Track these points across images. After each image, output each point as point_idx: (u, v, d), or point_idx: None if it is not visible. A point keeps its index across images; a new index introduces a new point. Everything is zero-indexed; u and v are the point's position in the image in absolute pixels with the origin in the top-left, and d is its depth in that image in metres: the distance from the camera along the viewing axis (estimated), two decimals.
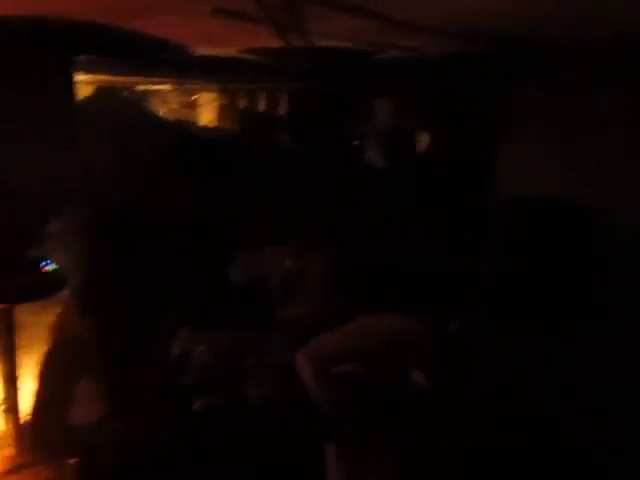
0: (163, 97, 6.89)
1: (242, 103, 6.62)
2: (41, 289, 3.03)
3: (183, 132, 5.63)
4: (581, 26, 2.32)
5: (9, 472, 3.14)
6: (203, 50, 3.49)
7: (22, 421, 3.28)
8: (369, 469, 2.26)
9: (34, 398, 1.77)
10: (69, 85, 3.65)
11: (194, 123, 6.88)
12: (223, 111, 6.58)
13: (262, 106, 6.41)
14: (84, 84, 5.15)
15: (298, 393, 2.68)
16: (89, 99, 4.93)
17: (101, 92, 5.13)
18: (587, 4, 1.83)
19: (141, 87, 6.44)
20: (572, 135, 3.25)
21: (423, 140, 4.32)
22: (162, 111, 7.18)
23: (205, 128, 6.68)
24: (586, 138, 3.17)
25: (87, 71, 4.52)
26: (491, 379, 2.70)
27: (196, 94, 7.00)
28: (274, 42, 2.67)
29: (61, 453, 1.87)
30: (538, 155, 3.36)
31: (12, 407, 3.22)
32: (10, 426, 3.24)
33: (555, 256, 3.05)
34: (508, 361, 2.91)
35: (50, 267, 3.19)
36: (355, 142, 5.00)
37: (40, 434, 1.76)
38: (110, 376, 1.75)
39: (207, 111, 6.86)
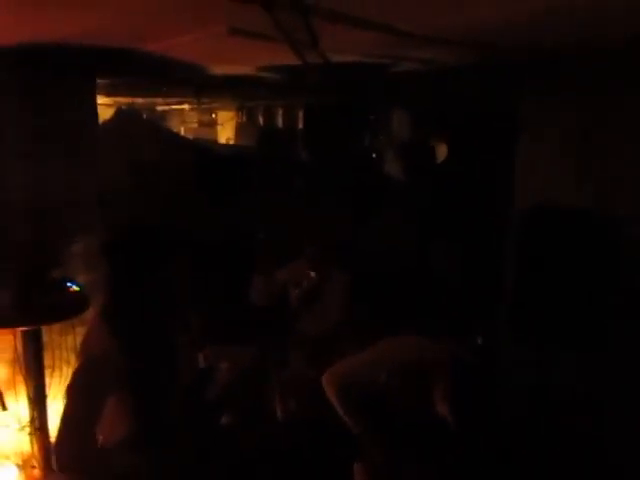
0: (182, 116, 7.01)
1: (260, 120, 6.69)
2: (66, 309, 3.08)
3: (203, 150, 5.70)
4: (595, 32, 2.30)
5: None
6: (220, 69, 3.53)
7: (52, 440, 3.33)
8: None
9: (61, 417, 1.79)
10: (91, 107, 3.73)
11: (214, 141, 6.97)
12: (241, 128, 6.65)
13: (280, 122, 6.47)
14: (105, 106, 5.26)
15: (322, 409, 2.67)
16: (110, 120, 5.04)
17: (122, 113, 5.23)
18: (596, 10, 1.82)
19: (160, 107, 6.55)
20: (589, 145, 3.21)
21: (440, 151, 4.30)
22: (182, 130, 7.29)
23: (224, 145, 6.76)
24: (603, 147, 3.12)
25: (108, 93, 4.62)
26: (515, 400, 2.67)
27: (215, 112, 7.10)
28: (289, 59, 2.70)
29: (87, 474, 1.88)
30: (555, 165, 3.32)
31: (40, 427, 3.26)
32: (35, 447, 3.28)
33: (574, 268, 3.00)
34: (532, 377, 2.86)
35: (74, 287, 3.24)
36: (373, 155, 5.00)
37: (66, 453, 1.77)
38: (136, 394, 1.76)
39: (226, 129, 6.95)
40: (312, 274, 3.34)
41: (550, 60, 3.06)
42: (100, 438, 1.78)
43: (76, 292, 3.23)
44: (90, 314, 2.86)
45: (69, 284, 3.25)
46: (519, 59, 3.04)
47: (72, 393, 1.77)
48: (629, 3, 1.74)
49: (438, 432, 2.20)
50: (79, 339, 2.08)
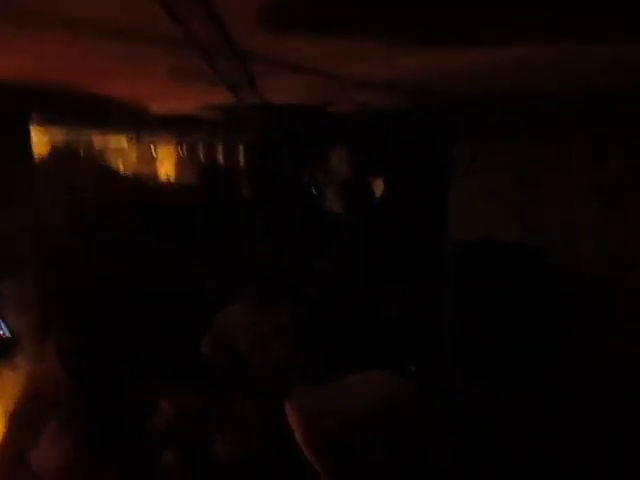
0: (121, 153, 6.90)
1: (200, 156, 6.67)
2: None
3: (142, 188, 5.63)
4: (530, 81, 2.45)
5: None
6: (159, 107, 3.54)
7: None
8: None
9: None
10: (26, 144, 3.64)
11: (153, 177, 6.88)
12: (181, 164, 6.61)
13: (221, 158, 6.48)
14: (41, 143, 5.13)
15: (265, 449, 2.63)
16: (45, 156, 4.91)
17: (58, 150, 5.11)
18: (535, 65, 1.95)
19: (98, 144, 6.45)
20: (521, 182, 3.39)
21: (378, 187, 4.42)
22: (121, 167, 7.17)
23: (165, 182, 6.69)
24: (535, 185, 3.31)
25: (43, 129, 4.52)
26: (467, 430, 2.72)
27: (154, 149, 7.04)
28: (228, 98, 2.74)
29: None
30: (489, 200, 3.49)
31: None
32: None
33: (508, 299, 3.13)
34: (478, 409, 2.92)
35: (5, 330, 3.10)
36: (313, 192, 5.08)
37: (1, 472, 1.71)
38: (77, 424, 1.73)
39: (165, 165, 6.89)
40: (258, 313, 3.33)
41: (484, 106, 3.24)
42: (34, 464, 1.72)
43: (6, 336, 3.09)
44: (21, 357, 2.74)
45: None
46: (454, 104, 3.20)
47: (13, 415, 1.72)
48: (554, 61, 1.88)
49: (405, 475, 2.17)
50: (6, 382, 2.01)
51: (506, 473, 2.76)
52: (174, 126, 4.83)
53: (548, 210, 3.26)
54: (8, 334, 3.02)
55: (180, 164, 6.66)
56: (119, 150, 6.65)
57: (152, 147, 6.78)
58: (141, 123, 4.30)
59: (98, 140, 6.13)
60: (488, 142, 3.50)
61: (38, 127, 4.04)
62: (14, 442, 1.71)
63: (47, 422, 1.71)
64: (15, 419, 1.73)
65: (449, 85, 2.51)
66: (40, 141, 4.97)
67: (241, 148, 6.06)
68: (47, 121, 3.92)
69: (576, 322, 3.03)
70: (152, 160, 7.19)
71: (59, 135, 5.02)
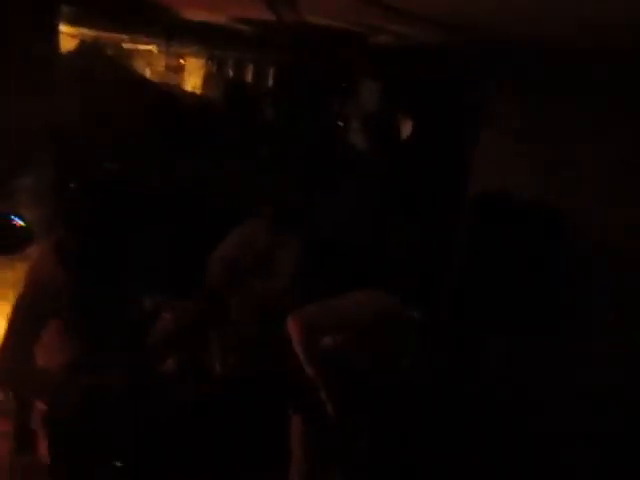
0: (149, 58, 6.75)
1: (229, 72, 6.53)
2: (11, 244, 3.00)
3: (166, 95, 5.54)
4: (567, 28, 2.33)
5: None
6: (192, 14, 3.43)
7: None
8: (334, 448, 2.28)
9: (3, 341, 1.79)
10: (51, 35, 3.56)
11: (179, 87, 6.77)
12: (209, 79, 6.48)
13: (249, 77, 6.34)
14: (68, 36, 5.02)
15: (263, 364, 2.70)
16: (72, 52, 4.82)
17: (85, 46, 5.01)
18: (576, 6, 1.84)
19: (127, 46, 6.30)
20: (549, 140, 3.30)
21: (405, 127, 4.33)
22: (147, 72, 7.04)
23: (190, 94, 6.58)
24: (562, 145, 3.22)
25: (72, 23, 4.41)
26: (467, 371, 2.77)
27: (183, 58, 6.88)
28: (264, 14, 2.64)
29: (28, 393, 1.89)
30: (512, 154, 3.41)
31: None
32: None
33: (522, 255, 3.11)
34: (475, 356, 2.98)
35: (19, 222, 3.15)
36: (339, 123, 4.98)
37: (5, 371, 1.78)
38: (79, 324, 1.78)
39: (193, 77, 6.75)
40: (267, 234, 3.33)
41: (523, 52, 3.10)
42: (39, 361, 1.79)
43: (21, 227, 3.14)
44: (35, 249, 2.79)
45: (14, 218, 3.15)
46: (493, 47, 3.06)
47: (13, 315, 1.77)
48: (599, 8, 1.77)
49: (396, 396, 2.23)
50: (20, 275, 2.05)
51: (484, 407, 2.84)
52: (205, 37, 4.69)
53: (572, 172, 3.18)
54: (22, 224, 3.07)
55: (207, 75, 6.53)
56: (147, 54, 6.52)
57: (180, 54, 6.63)
58: (173, 27, 4.17)
59: (127, 42, 6.00)
60: (520, 94, 3.38)
61: (66, 18, 3.93)
62: (17, 334, 1.75)
63: (49, 319, 1.75)
64: (20, 313, 1.77)
65: (492, 25, 2.40)
66: (67, 33, 4.86)
67: (272, 67, 5.91)
68: (76, 13, 3.81)
69: (586, 288, 3.02)
70: (179, 68, 7.05)
71: (87, 29, 4.91)
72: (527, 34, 2.46)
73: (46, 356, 1.78)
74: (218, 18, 3.38)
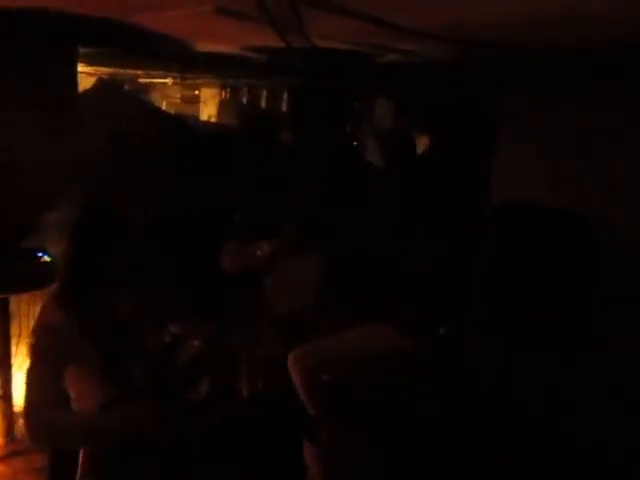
0: (165, 91, 6.91)
1: (243, 99, 6.64)
2: (36, 279, 3.06)
3: (184, 126, 5.64)
4: (581, 33, 2.33)
5: (0, 460, 3.19)
6: (205, 46, 3.51)
7: (16, 409, 3.32)
8: (343, 475, 2.27)
9: (26, 388, 1.80)
10: (71, 75, 3.67)
11: (195, 118, 6.90)
12: (224, 107, 6.59)
13: (263, 103, 6.43)
14: (87, 75, 5.17)
15: (286, 389, 2.70)
16: (91, 90, 4.95)
17: (103, 84, 5.15)
18: (588, 14, 1.85)
19: (143, 80, 6.45)
20: (570, 143, 3.27)
21: (422, 142, 4.33)
22: (163, 104, 7.19)
23: (206, 123, 6.70)
24: (585, 147, 3.18)
25: (90, 63, 4.54)
26: (482, 392, 2.73)
27: (198, 89, 7.02)
28: (275, 41, 2.69)
29: (65, 442, 1.89)
30: (535, 162, 3.38)
31: (5, 395, 3.26)
32: (0, 415, 3.28)
33: (547, 264, 3.07)
34: (499, 371, 2.93)
35: (46, 257, 3.22)
36: (355, 142, 5.02)
37: (39, 425, 1.77)
38: (101, 364, 1.77)
39: (208, 106, 6.88)
40: (288, 256, 3.36)
41: (535, 60, 3.10)
42: (73, 406, 1.79)
43: (47, 262, 3.21)
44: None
45: (40, 254, 3.23)
46: (505, 57, 3.07)
47: (31, 370, 1.77)
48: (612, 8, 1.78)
49: (404, 421, 2.22)
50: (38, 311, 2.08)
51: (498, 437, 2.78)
52: (218, 67, 4.79)
53: (596, 178, 3.14)
54: (48, 259, 3.14)
55: (222, 104, 6.64)
56: (163, 85, 6.66)
57: (195, 85, 6.77)
58: (186, 60, 4.26)
59: (142, 77, 6.14)
60: (538, 101, 3.36)
61: (84, 58, 4.05)
62: (42, 387, 1.75)
63: (66, 365, 1.74)
64: (38, 364, 1.76)
65: (500, 36, 2.41)
66: (85, 72, 5.01)
67: (285, 92, 5.99)
68: (93, 52, 3.93)
69: (613, 296, 2.97)
70: (195, 98, 7.19)
71: (104, 67, 5.04)
72: (538, 42, 2.47)
73: (79, 406, 1.77)
74: (230, 48, 3.45)
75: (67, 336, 1.68)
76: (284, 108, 6.09)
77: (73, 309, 1.70)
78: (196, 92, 7.13)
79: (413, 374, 2.25)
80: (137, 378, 1.80)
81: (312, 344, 2.32)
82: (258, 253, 3.27)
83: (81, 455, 1.88)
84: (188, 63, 4.39)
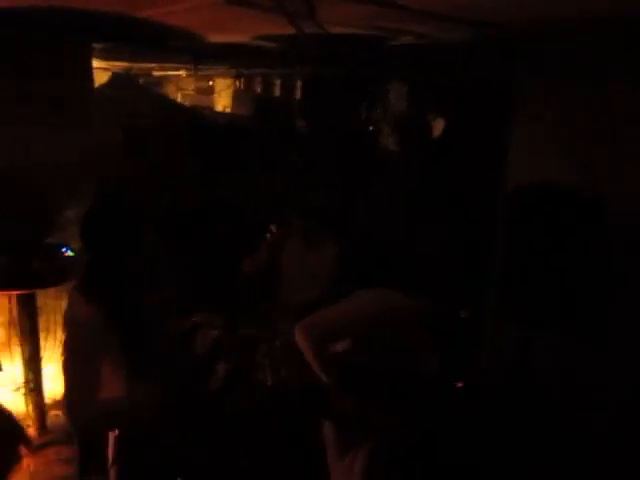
0: (179, 83, 6.94)
1: (257, 89, 6.64)
2: (61, 274, 3.13)
3: (199, 118, 5.67)
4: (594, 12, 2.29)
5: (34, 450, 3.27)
6: (217, 37, 3.51)
7: (47, 402, 3.41)
8: (362, 448, 2.28)
9: (66, 384, 1.86)
10: (86, 71, 3.71)
11: (210, 108, 6.92)
12: (238, 97, 6.60)
13: (277, 92, 6.42)
14: (101, 70, 5.22)
15: (304, 374, 2.73)
16: (106, 85, 5.00)
17: (118, 78, 5.19)
18: None
19: (157, 73, 6.49)
20: (585, 124, 3.22)
21: (436, 126, 4.30)
22: (178, 97, 7.23)
23: (221, 113, 6.73)
24: (599, 127, 3.14)
25: (104, 58, 4.58)
26: (494, 367, 2.71)
27: (212, 80, 7.03)
28: (286, 29, 2.68)
29: (98, 426, 1.96)
30: (549, 145, 3.34)
31: (35, 388, 3.34)
32: (30, 407, 3.36)
33: (562, 246, 3.04)
34: (511, 351, 2.92)
35: (69, 253, 3.28)
36: (370, 127, 5.00)
37: (76, 413, 1.85)
38: (127, 355, 1.83)
39: (223, 97, 6.90)
40: (304, 243, 3.36)
41: (549, 39, 3.05)
42: (104, 394, 1.87)
43: (71, 257, 3.27)
44: None
45: (64, 249, 3.29)
46: (519, 37, 3.03)
47: (64, 359, 1.83)
48: None
49: (412, 385, 2.21)
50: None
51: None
52: (231, 57, 4.79)
53: (615, 158, 3.09)
54: (71, 254, 3.20)
55: (236, 94, 6.66)
56: (176, 78, 6.69)
57: (209, 76, 6.78)
58: (199, 52, 4.27)
59: (156, 70, 6.17)
60: (552, 82, 3.31)
61: (98, 53, 4.09)
62: (76, 377, 1.81)
63: (99, 354, 1.80)
64: (69, 356, 1.83)
65: (512, 16, 2.38)
66: (100, 67, 5.05)
67: (299, 80, 5.98)
68: (107, 48, 3.96)
69: (633, 277, 2.93)
70: (209, 89, 7.21)
71: (118, 62, 5.07)
72: (549, 20, 2.43)
73: (112, 392, 1.83)
74: (242, 38, 3.45)
75: (94, 329, 1.73)
76: (298, 96, 6.08)
77: (98, 303, 1.75)
78: (210, 83, 7.14)
79: (420, 338, 2.23)
80: (158, 366, 1.85)
81: (317, 313, 2.29)
82: (268, 236, 3.28)
83: (110, 443, 1.94)
84: (200, 54, 4.40)
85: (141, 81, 6.12)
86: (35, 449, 3.27)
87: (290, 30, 2.68)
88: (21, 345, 3.32)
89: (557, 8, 2.17)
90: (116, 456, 1.90)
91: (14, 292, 3.20)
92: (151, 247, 1.94)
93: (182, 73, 6.31)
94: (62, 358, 1.82)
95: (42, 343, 3.40)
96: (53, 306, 3.42)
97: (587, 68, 3.13)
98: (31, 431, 3.36)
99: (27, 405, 3.38)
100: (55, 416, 3.42)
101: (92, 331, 1.72)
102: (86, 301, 1.75)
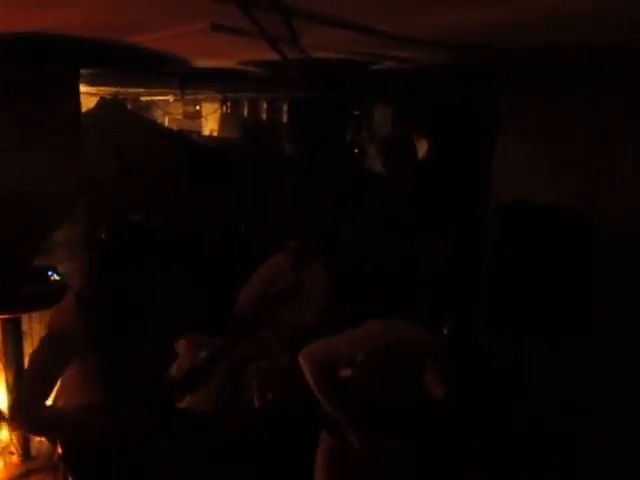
0: (166, 107, 6.99)
1: (244, 112, 6.70)
2: (46, 298, 3.11)
3: (187, 141, 5.71)
4: (574, 35, 2.35)
5: (16, 478, 3.22)
6: (203, 63, 3.56)
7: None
8: (361, 467, 2.28)
9: (23, 378, 1.90)
10: (74, 97, 3.74)
11: (197, 133, 6.97)
12: (225, 121, 6.66)
13: (264, 115, 6.49)
14: (89, 95, 5.25)
15: (298, 395, 2.72)
16: (94, 110, 5.03)
17: (106, 103, 5.23)
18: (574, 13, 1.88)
19: (144, 98, 6.54)
20: (569, 140, 3.29)
21: (421, 147, 4.37)
22: (166, 121, 7.28)
23: (208, 137, 6.77)
24: (583, 143, 3.21)
25: (92, 83, 4.62)
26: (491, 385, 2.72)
27: (199, 104, 7.10)
28: (271, 54, 2.74)
29: (43, 432, 1.97)
30: (536, 160, 3.40)
31: None
32: (13, 434, 3.32)
33: (550, 261, 3.08)
34: (506, 363, 2.94)
35: (55, 276, 3.27)
36: (355, 149, 5.06)
37: (23, 410, 1.86)
38: (96, 367, 1.85)
39: (210, 121, 6.95)
40: (296, 264, 3.38)
41: (529, 61, 3.13)
42: (59, 402, 1.87)
43: (56, 281, 3.26)
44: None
45: (50, 273, 3.28)
46: (498, 59, 3.10)
47: (35, 355, 1.87)
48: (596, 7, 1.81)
49: (419, 415, 2.21)
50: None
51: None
52: (217, 82, 4.85)
53: (597, 173, 3.15)
54: (58, 278, 3.19)
55: (223, 118, 6.71)
56: (164, 102, 6.74)
57: (196, 100, 6.84)
58: (186, 77, 4.33)
59: (144, 94, 6.22)
60: (534, 100, 3.39)
61: (86, 78, 4.13)
62: (37, 376, 1.83)
63: (69, 361, 1.83)
64: (41, 354, 1.85)
65: (491, 39, 2.44)
66: (88, 92, 5.09)
67: (285, 103, 6.05)
68: (94, 73, 4.00)
69: (622, 293, 2.97)
70: (196, 113, 7.27)
71: (106, 87, 5.11)
72: (532, 43, 2.49)
73: (66, 397, 1.85)
74: (228, 63, 3.51)
75: (78, 337, 1.76)
76: (285, 119, 6.15)
77: (89, 314, 1.78)
78: (197, 107, 7.20)
79: (425, 367, 2.22)
80: (131, 386, 1.87)
81: (322, 341, 2.30)
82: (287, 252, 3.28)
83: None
84: (187, 79, 4.45)
85: (129, 106, 6.16)
86: (19, 477, 3.23)
87: (275, 55, 2.74)
88: (5, 370, 3.29)
89: (540, 32, 2.24)
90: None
91: None
92: (147, 270, 1.97)
93: (169, 98, 6.36)
94: (33, 349, 1.85)
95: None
96: (38, 330, 3.39)
97: (570, 86, 3.21)
98: (14, 459, 3.31)
99: (10, 432, 3.33)
100: (39, 443, 3.37)
101: (73, 338, 1.75)
102: (78, 310, 1.80)
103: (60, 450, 1.92)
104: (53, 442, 2.03)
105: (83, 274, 1.97)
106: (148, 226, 2.15)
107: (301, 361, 2.22)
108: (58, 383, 1.84)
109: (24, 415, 1.86)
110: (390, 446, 2.27)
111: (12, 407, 1.93)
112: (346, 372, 2.30)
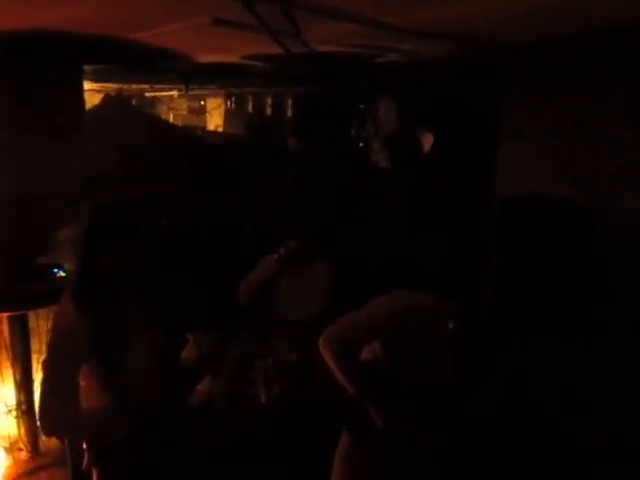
0: (171, 103, 6.98)
1: (249, 107, 6.68)
2: (52, 295, 3.11)
3: (191, 137, 5.69)
4: (577, 23, 2.33)
5: (25, 475, 3.24)
6: (207, 58, 3.55)
7: (39, 424, 3.38)
8: (382, 459, 2.26)
9: (41, 388, 1.89)
10: (77, 94, 3.74)
11: (202, 128, 6.96)
12: (230, 116, 6.64)
13: (268, 110, 6.47)
14: (93, 92, 5.25)
15: (305, 390, 2.71)
16: (98, 106, 5.02)
17: (110, 100, 5.22)
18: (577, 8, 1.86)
19: (149, 94, 6.53)
20: (571, 135, 3.27)
21: (426, 141, 4.34)
22: (170, 117, 7.27)
23: (213, 132, 6.76)
24: (585, 137, 3.18)
25: (97, 79, 4.62)
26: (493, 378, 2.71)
27: (203, 100, 7.09)
28: (275, 48, 2.72)
29: (76, 436, 1.96)
30: (538, 155, 3.38)
31: (27, 410, 3.31)
32: (22, 430, 3.33)
33: (554, 256, 3.06)
34: (508, 360, 2.93)
35: (61, 273, 3.28)
36: (360, 144, 5.03)
37: (52, 418, 1.85)
38: (108, 367, 1.85)
39: (214, 116, 6.94)
40: (298, 260, 3.36)
41: (533, 55, 3.10)
42: (85, 404, 1.87)
43: (62, 278, 3.26)
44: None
45: (56, 270, 3.28)
46: (503, 53, 3.08)
47: (46, 362, 1.86)
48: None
49: (436, 393, 2.19)
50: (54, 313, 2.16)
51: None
52: (222, 77, 4.84)
53: (601, 168, 3.13)
54: (63, 275, 3.20)
55: (228, 113, 6.70)
56: (168, 98, 6.73)
57: (200, 95, 6.83)
58: (190, 72, 4.32)
59: (148, 90, 6.21)
60: (538, 95, 3.36)
61: (89, 75, 4.12)
62: (55, 383, 1.83)
63: (80, 362, 1.82)
64: (52, 360, 1.85)
65: (496, 32, 2.42)
66: (92, 89, 5.08)
67: (290, 98, 6.03)
68: (98, 70, 3.99)
69: (625, 286, 2.95)
70: (201, 108, 7.26)
71: (110, 83, 5.11)
72: (536, 36, 2.47)
73: (88, 400, 1.84)
74: (231, 58, 3.49)
75: (81, 336, 1.76)
76: (289, 114, 6.13)
77: (86, 311, 1.77)
78: (202, 103, 7.19)
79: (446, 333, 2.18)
80: (136, 379, 1.86)
81: (336, 324, 2.26)
82: (281, 251, 3.27)
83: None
84: (191, 75, 4.44)
85: (133, 102, 6.16)
86: (27, 473, 3.24)
87: (278, 49, 2.72)
88: (13, 367, 3.30)
89: (541, 24, 2.22)
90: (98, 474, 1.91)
91: (5, 313, 3.19)
92: (145, 263, 1.95)
93: (174, 93, 6.35)
94: (43, 358, 1.84)
95: (34, 365, 3.38)
96: (45, 327, 3.40)
97: (572, 82, 3.19)
98: (23, 455, 3.33)
99: (19, 428, 3.35)
100: (48, 439, 3.39)
101: (76, 338, 1.75)
102: (75, 308, 1.78)
103: (90, 452, 1.92)
104: (83, 445, 2.01)
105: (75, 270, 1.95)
106: (133, 214, 2.12)
107: (321, 348, 2.20)
108: (81, 383, 1.83)
109: (53, 423, 1.85)
110: (408, 431, 2.24)
111: (40, 417, 1.91)
112: (367, 355, 2.28)
